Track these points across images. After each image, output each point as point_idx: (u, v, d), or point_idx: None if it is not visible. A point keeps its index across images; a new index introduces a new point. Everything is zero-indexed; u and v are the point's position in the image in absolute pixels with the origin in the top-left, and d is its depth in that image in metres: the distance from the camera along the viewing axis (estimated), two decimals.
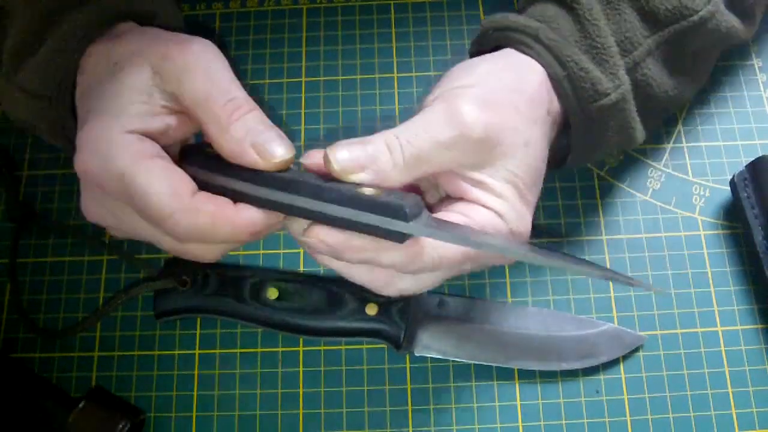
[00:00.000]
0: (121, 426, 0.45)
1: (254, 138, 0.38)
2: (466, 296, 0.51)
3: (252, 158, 0.38)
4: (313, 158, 0.39)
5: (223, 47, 0.43)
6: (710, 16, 0.46)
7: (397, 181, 0.39)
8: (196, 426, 0.48)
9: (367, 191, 0.37)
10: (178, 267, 0.50)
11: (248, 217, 0.38)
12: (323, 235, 0.37)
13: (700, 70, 0.49)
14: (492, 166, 0.40)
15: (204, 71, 0.39)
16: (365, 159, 0.38)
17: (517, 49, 0.44)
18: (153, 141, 0.39)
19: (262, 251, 0.53)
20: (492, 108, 0.40)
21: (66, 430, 0.45)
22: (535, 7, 0.46)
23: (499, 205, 0.40)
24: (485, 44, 0.47)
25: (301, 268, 0.52)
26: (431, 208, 0.42)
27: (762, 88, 0.57)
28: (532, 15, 0.46)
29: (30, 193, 0.55)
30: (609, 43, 0.44)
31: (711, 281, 0.51)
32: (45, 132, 0.46)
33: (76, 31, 0.42)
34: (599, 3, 0.45)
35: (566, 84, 0.43)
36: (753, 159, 0.51)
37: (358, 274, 0.40)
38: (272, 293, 0.49)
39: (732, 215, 0.53)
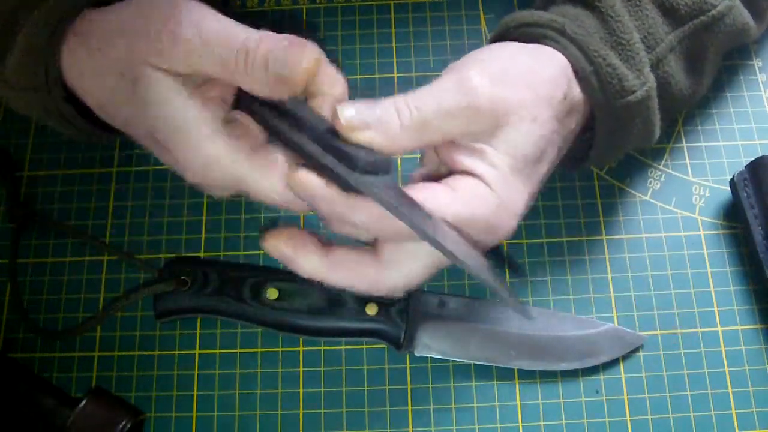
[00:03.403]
0: (121, 426, 0.45)
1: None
2: (466, 296, 0.51)
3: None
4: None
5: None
6: (728, 10, 0.46)
7: (402, 146, 0.38)
8: (196, 426, 0.49)
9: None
10: (178, 267, 0.50)
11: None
12: (305, 177, 0.37)
13: (709, 72, 0.49)
14: (494, 136, 0.40)
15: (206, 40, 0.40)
16: (372, 119, 0.38)
17: (541, 43, 0.44)
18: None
19: (262, 251, 0.53)
20: (503, 82, 0.40)
21: (66, 430, 0.45)
22: (554, 7, 0.46)
23: (487, 171, 0.39)
24: (504, 40, 0.46)
25: None
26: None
27: (762, 88, 0.57)
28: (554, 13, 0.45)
29: (30, 193, 0.55)
30: (634, 40, 0.44)
31: (711, 281, 0.51)
32: (38, 115, 0.45)
33: (40, 30, 0.41)
34: (621, 0, 0.44)
35: (593, 79, 0.43)
36: (753, 159, 0.51)
37: (341, 279, 0.40)
38: (272, 293, 0.49)
39: (732, 215, 0.53)
